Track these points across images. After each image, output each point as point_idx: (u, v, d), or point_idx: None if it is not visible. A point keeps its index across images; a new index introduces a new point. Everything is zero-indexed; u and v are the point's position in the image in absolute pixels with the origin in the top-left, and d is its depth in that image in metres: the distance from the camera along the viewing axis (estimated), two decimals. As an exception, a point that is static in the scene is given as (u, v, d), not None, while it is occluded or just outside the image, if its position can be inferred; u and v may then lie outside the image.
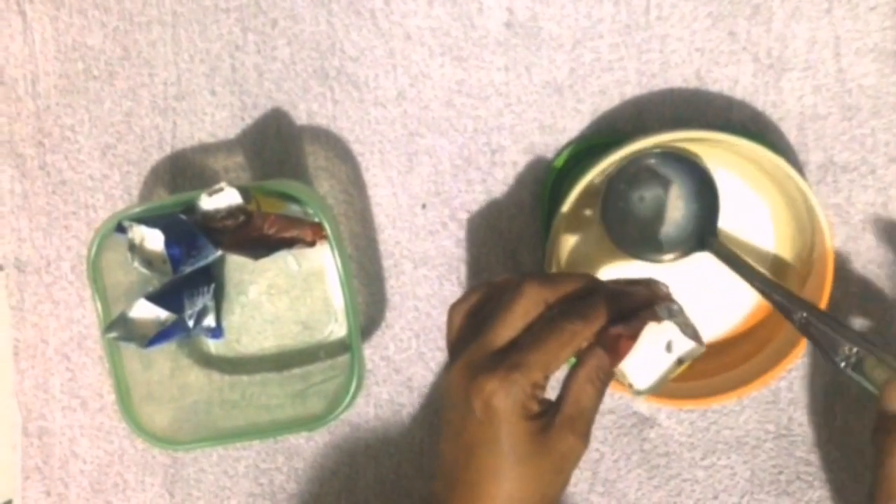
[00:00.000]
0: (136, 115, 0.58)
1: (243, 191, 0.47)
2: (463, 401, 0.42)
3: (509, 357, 0.42)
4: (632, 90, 0.56)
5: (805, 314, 0.48)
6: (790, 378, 0.56)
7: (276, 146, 0.57)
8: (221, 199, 0.47)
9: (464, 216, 0.57)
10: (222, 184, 0.47)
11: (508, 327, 0.43)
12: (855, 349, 0.46)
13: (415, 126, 0.57)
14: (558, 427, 0.42)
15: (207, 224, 0.48)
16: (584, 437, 0.43)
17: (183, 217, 0.48)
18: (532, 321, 0.43)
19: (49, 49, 0.58)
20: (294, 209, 0.53)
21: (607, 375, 0.43)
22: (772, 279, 0.50)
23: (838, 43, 0.54)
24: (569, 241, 0.55)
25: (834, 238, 0.55)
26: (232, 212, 0.47)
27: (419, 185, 0.57)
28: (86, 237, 0.58)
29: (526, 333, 0.43)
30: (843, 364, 0.47)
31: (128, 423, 0.51)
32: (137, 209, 0.49)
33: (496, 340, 0.43)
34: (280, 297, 0.58)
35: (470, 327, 0.46)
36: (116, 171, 0.58)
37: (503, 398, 0.41)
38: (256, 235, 0.48)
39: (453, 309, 0.46)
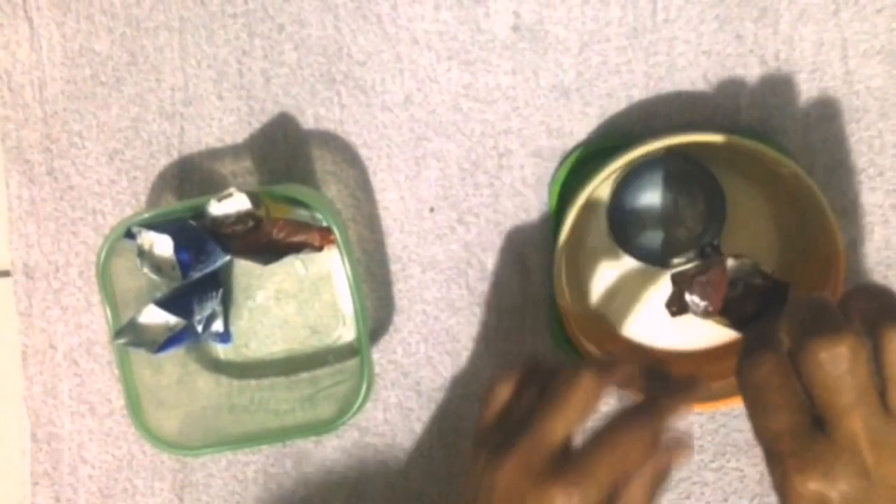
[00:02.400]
0: (144, 121, 0.58)
1: (253, 196, 0.47)
2: (518, 502, 0.39)
3: (577, 464, 0.39)
4: (639, 93, 0.56)
5: None
6: (799, 380, 0.56)
7: (284, 151, 0.58)
8: (231, 204, 0.47)
9: (471, 220, 0.57)
10: (232, 189, 0.47)
11: (565, 423, 0.40)
12: None
13: (422, 130, 0.57)
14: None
15: (217, 229, 0.48)
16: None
17: (193, 223, 0.48)
18: (587, 415, 0.40)
19: (56, 55, 0.58)
20: (302, 214, 0.53)
21: (661, 487, 0.41)
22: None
23: (845, 45, 0.54)
24: (577, 246, 0.55)
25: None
26: (241, 217, 0.47)
27: (427, 188, 0.57)
28: (93, 243, 0.58)
29: (592, 435, 0.40)
30: None
31: (137, 429, 0.51)
32: (146, 215, 0.49)
33: (553, 438, 0.40)
34: (288, 302, 0.58)
35: (510, 410, 0.43)
36: (124, 177, 0.58)
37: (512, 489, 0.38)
38: (266, 240, 0.48)
39: (500, 383, 0.43)
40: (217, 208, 0.47)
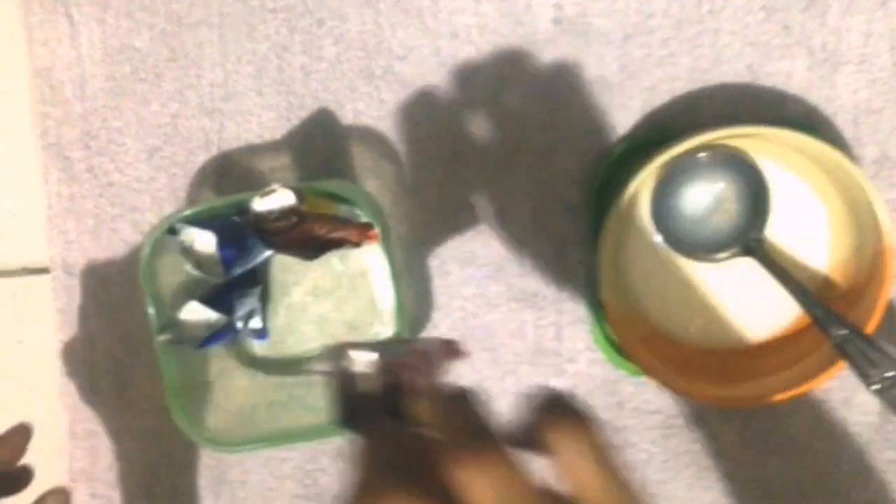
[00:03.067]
0: (183, 117, 0.58)
1: (297, 191, 0.46)
2: None
3: None
4: (683, 86, 0.55)
5: (845, 332, 0.47)
6: (842, 377, 0.55)
7: (323, 146, 0.57)
8: (274, 200, 0.47)
9: (511, 215, 0.57)
10: (275, 185, 0.46)
11: None
12: (891, 373, 0.46)
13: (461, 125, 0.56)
14: None
15: (260, 225, 0.47)
16: None
17: (236, 219, 0.47)
18: None
19: (96, 52, 0.58)
20: (342, 209, 0.53)
21: None
22: (812, 294, 0.49)
23: (894, 36, 0.53)
24: (620, 240, 0.54)
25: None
26: (285, 213, 0.47)
27: (466, 184, 0.57)
28: (132, 240, 0.58)
29: None
30: (876, 386, 0.46)
31: (180, 424, 0.51)
32: (189, 211, 0.49)
33: None
34: (325, 298, 0.58)
35: None
36: (163, 174, 0.58)
37: None
38: (308, 236, 0.48)
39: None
40: (260, 204, 0.47)
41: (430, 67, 0.56)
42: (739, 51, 0.54)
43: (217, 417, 0.53)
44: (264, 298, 0.57)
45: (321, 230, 0.49)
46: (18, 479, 0.49)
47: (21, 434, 0.49)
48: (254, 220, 0.47)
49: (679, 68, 0.55)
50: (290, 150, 0.57)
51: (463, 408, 0.30)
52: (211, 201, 0.49)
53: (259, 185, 0.57)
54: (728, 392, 0.51)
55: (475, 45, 0.56)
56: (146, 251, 0.49)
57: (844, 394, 0.55)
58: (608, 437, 0.29)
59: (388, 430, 0.31)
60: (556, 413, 0.29)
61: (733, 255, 0.52)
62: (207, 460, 0.59)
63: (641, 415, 0.56)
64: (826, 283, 0.53)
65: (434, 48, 0.56)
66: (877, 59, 0.53)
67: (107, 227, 0.58)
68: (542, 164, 0.56)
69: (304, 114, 0.57)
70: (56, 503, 0.47)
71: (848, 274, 0.52)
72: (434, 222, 0.57)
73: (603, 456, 0.28)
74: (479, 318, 0.57)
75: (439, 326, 0.57)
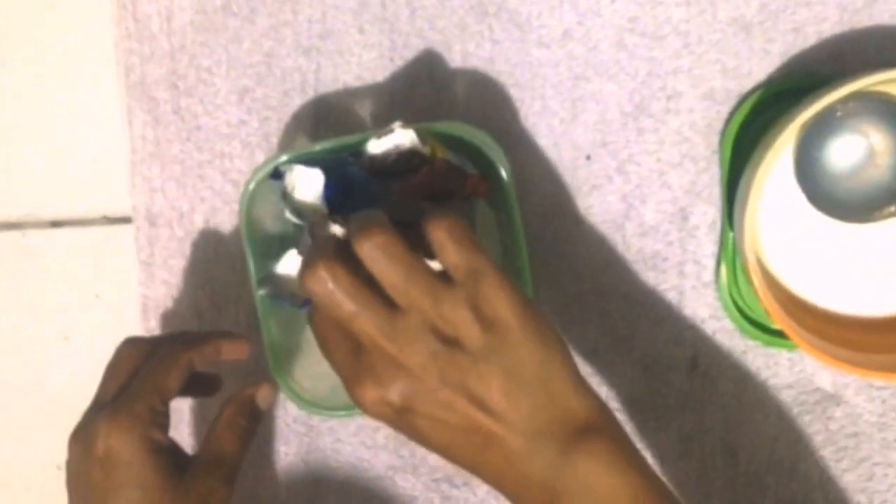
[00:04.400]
0: (277, 56, 0.53)
1: (419, 132, 0.42)
2: (82, 462, 0.42)
3: (117, 397, 0.43)
4: (831, 28, 0.50)
5: None
6: None
7: (428, 91, 0.53)
8: (393, 140, 0.42)
9: (632, 169, 0.52)
10: (396, 123, 0.42)
11: (111, 381, 0.44)
12: None
13: (581, 69, 0.52)
14: (195, 469, 0.43)
15: (377, 170, 0.43)
16: (226, 481, 0.43)
17: (350, 160, 0.43)
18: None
19: (185, -17, 0.53)
20: (453, 157, 0.49)
21: (251, 422, 0.45)
22: None
23: None
24: (761, 199, 0.49)
25: None
26: (405, 156, 0.42)
27: (583, 134, 0.52)
28: (220, 188, 0.54)
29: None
30: None
31: (282, 387, 0.47)
32: (298, 152, 0.45)
33: (102, 396, 0.44)
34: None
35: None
36: (255, 117, 0.54)
37: (120, 433, 0.41)
38: (430, 184, 0.43)
39: (125, 352, 0.46)
40: (377, 146, 0.42)
41: (548, 5, 0.51)
42: (896, -11, 0.49)
43: (315, 381, 0.49)
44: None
45: (441, 178, 0.44)
46: (213, 383, 0.52)
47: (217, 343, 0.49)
48: (369, 162, 0.43)
49: (827, 7, 0.49)
50: (392, 95, 0.53)
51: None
52: (322, 143, 0.45)
53: (358, 131, 0.53)
54: (875, 363, 0.47)
55: (599, -19, 0.51)
56: (248, 194, 0.45)
57: None
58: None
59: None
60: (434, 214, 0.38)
61: (888, 215, 0.47)
62: (297, 427, 0.55)
63: (772, 389, 0.52)
64: None
65: (553, -17, 0.51)
66: None
67: (194, 173, 0.55)
68: (669, 112, 0.51)
69: (408, 54, 0.53)
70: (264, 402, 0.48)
71: None
72: (547, 175, 0.52)
73: (460, 237, 0.38)
74: (593, 281, 0.53)
75: (550, 287, 0.53)
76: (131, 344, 0.46)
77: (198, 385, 0.50)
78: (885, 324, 0.50)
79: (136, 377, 0.43)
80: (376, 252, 0.37)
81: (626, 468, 0.36)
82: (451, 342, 0.36)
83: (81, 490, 0.42)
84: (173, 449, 0.44)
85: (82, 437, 0.43)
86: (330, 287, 0.36)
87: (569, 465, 0.36)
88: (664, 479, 0.39)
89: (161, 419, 0.44)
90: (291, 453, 0.55)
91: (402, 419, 0.37)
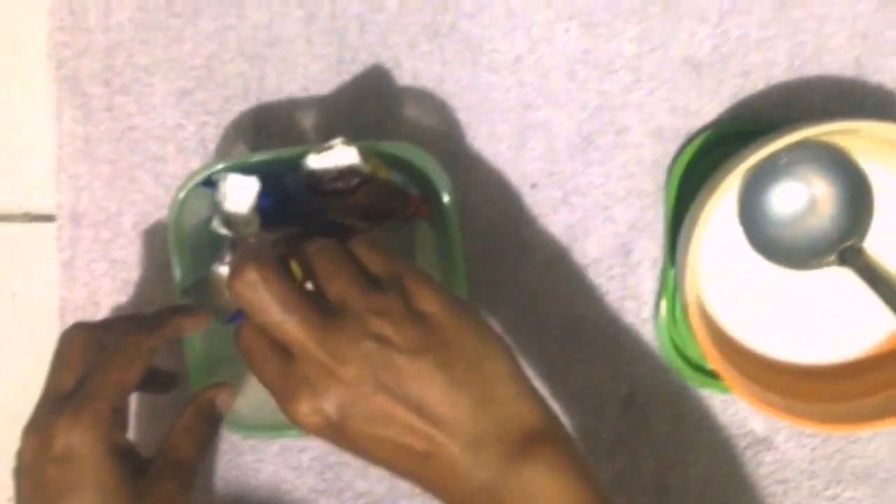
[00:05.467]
0: (220, 60, 0.51)
1: (360, 150, 0.41)
2: (37, 457, 0.40)
3: (76, 392, 0.40)
4: (780, 74, 0.50)
5: None
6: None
7: (374, 107, 0.51)
8: (334, 157, 0.41)
9: (578, 200, 0.51)
10: (337, 140, 0.41)
11: (64, 371, 0.41)
12: None
13: (531, 97, 0.51)
14: (153, 473, 0.41)
15: (314, 186, 0.41)
16: (184, 485, 0.41)
17: (284, 176, 0.42)
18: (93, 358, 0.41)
19: (128, -23, 0.51)
20: (396, 178, 0.47)
21: (210, 426, 0.43)
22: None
23: None
24: (704, 240, 0.49)
25: None
26: (345, 173, 0.41)
27: (530, 162, 0.51)
28: (152, 191, 0.52)
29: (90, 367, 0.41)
30: None
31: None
32: (234, 161, 0.43)
33: (57, 388, 0.41)
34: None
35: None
36: (192, 121, 0.52)
37: (82, 432, 0.39)
38: (368, 203, 0.42)
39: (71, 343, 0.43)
40: (316, 161, 0.41)
41: (501, 30, 0.51)
42: (846, 41, 0.49)
43: (241, 398, 0.47)
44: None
45: (380, 198, 0.43)
46: (171, 379, 0.49)
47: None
48: (306, 178, 0.41)
49: (778, 54, 0.50)
50: (338, 109, 0.52)
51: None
52: (260, 154, 0.43)
53: (299, 143, 0.51)
54: (807, 411, 0.47)
55: (553, 9, 0.50)
56: (178, 202, 0.43)
57: (931, 425, 0.50)
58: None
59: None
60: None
61: (827, 264, 0.47)
62: (219, 443, 0.53)
63: (705, 430, 0.51)
64: (925, 301, 0.48)
65: (507, 9, 0.51)
66: None
67: (124, 175, 0.52)
68: (617, 147, 0.51)
69: (356, 69, 0.51)
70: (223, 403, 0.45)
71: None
72: (492, 201, 0.51)
73: (383, 249, 0.38)
74: (532, 311, 0.52)
75: (485, 316, 0.52)
76: (81, 329, 0.43)
77: (155, 379, 0.47)
78: (819, 372, 0.50)
79: (96, 370, 0.41)
80: (318, 253, 0.37)
81: (573, 477, 0.35)
82: (384, 342, 0.35)
83: (33, 485, 0.40)
84: (131, 451, 0.42)
85: (39, 432, 0.40)
86: (260, 291, 0.35)
87: (513, 472, 0.34)
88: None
89: (121, 419, 0.42)
90: (211, 470, 0.53)
91: (339, 432, 0.35)
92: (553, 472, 0.34)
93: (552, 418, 0.36)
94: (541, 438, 0.35)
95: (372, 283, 0.37)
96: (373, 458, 0.36)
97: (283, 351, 0.36)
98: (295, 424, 0.35)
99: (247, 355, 0.37)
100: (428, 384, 0.35)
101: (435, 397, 0.34)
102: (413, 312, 0.36)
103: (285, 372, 0.36)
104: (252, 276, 0.35)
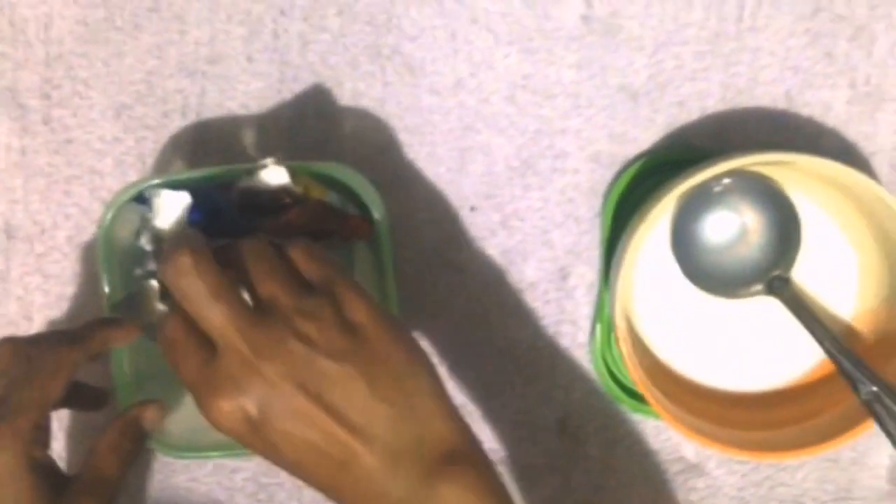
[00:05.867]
0: (160, 76, 0.51)
1: (292, 170, 0.41)
2: None
3: None
4: (714, 105, 0.51)
5: (874, 389, 0.43)
6: (858, 437, 0.51)
7: (315, 126, 0.51)
8: (265, 176, 0.41)
9: (516, 224, 0.52)
10: (268, 160, 0.41)
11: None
12: None
13: (471, 120, 0.51)
14: (74, 491, 0.41)
15: (245, 205, 0.41)
16: (106, 502, 0.41)
17: (217, 195, 0.41)
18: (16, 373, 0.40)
19: (69, -10, 0.51)
20: (333, 198, 0.47)
21: (135, 444, 0.42)
22: (841, 343, 0.45)
23: (943, 77, 0.50)
24: (637, 267, 0.50)
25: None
26: (276, 193, 0.41)
27: (469, 185, 0.52)
28: (88, 205, 0.52)
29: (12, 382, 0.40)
30: None
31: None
32: (166, 178, 0.43)
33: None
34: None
35: None
36: (131, 136, 0.51)
37: (1, 448, 0.38)
38: (299, 223, 0.42)
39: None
40: (247, 180, 0.41)
41: (443, 53, 0.51)
42: (778, 74, 0.50)
43: (171, 417, 0.47)
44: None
45: (312, 218, 0.43)
46: (99, 396, 0.48)
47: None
48: (237, 197, 0.41)
49: (711, 85, 0.51)
50: (278, 127, 0.52)
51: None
52: (192, 171, 0.43)
53: (238, 160, 0.51)
54: (735, 439, 0.47)
55: (494, 34, 0.51)
56: (108, 217, 0.43)
57: (855, 454, 0.51)
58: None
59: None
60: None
61: (755, 294, 0.48)
62: (148, 459, 0.52)
63: (638, 456, 0.52)
64: (850, 332, 0.49)
65: (449, 32, 0.51)
66: (922, 99, 0.50)
67: (60, 188, 0.52)
68: (555, 172, 0.51)
69: (297, 88, 0.51)
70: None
71: (876, 326, 0.48)
72: (429, 223, 0.52)
73: (319, 255, 0.39)
74: (468, 334, 0.52)
75: (421, 339, 0.52)
76: (6, 344, 0.42)
77: (82, 396, 0.47)
78: (748, 400, 0.50)
79: (18, 386, 0.40)
80: (251, 251, 0.37)
81: (486, 496, 0.35)
82: (311, 344, 0.35)
83: None
84: (52, 468, 0.41)
85: None
86: (191, 276, 0.35)
87: (429, 490, 0.34)
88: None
89: (42, 435, 0.41)
90: (143, 489, 0.52)
91: (258, 433, 0.35)
92: (468, 493, 0.34)
93: (471, 440, 0.37)
94: (458, 459, 0.35)
95: (304, 286, 0.37)
96: (290, 464, 0.36)
97: (208, 347, 0.36)
98: (213, 423, 0.35)
99: (168, 349, 0.37)
100: (350, 391, 0.34)
101: (356, 406, 0.34)
102: (343, 320, 0.36)
103: (207, 367, 0.35)
104: (185, 260, 0.35)
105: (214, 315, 0.35)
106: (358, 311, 0.36)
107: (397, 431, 0.35)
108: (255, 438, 0.35)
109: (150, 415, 0.44)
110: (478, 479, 0.35)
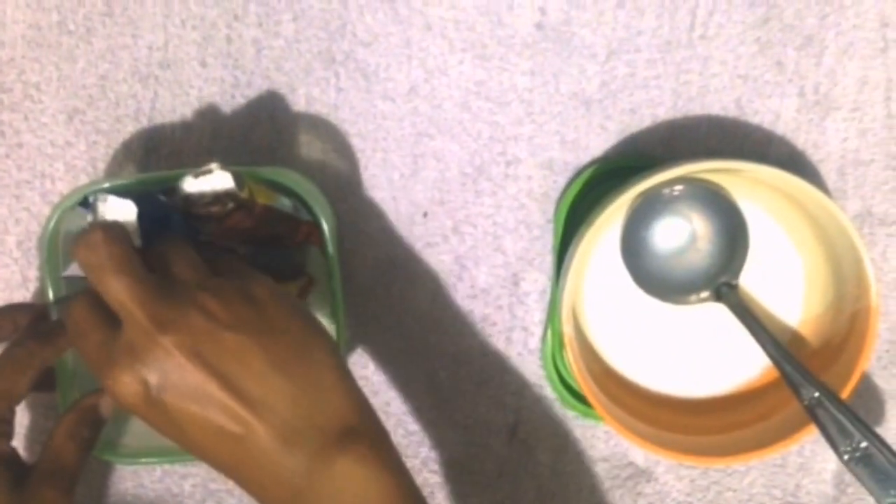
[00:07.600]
0: (113, 80, 0.51)
1: (237, 175, 0.40)
2: None
3: None
4: (665, 112, 0.51)
5: (816, 394, 0.44)
6: (802, 441, 0.51)
7: (268, 132, 0.51)
8: (210, 181, 0.41)
9: (468, 230, 0.52)
10: (213, 164, 0.40)
11: None
12: (864, 444, 0.42)
13: (424, 126, 0.51)
14: (36, 481, 0.40)
15: (189, 209, 0.41)
16: (66, 492, 0.40)
17: (162, 197, 0.41)
18: None
19: (20, -7, 0.51)
20: (284, 203, 0.47)
21: (93, 431, 0.42)
22: (784, 348, 0.46)
23: (890, 86, 0.50)
24: (583, 271, 0.50)
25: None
26: (220, 197, 0.40)
27: (422, 191, 0.52)
28: (38, 210, 0.51)
29: None
30: (846, 457, 0.43)
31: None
32: (111, 182, 0.42)
33: None
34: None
35: None
36: (83, 140, 0.51)
37: None
38: (244, 228, 0.42)
39: None
40: (192, 185, 0.41)
41: (396, 59, 0.51)
42: (728, 82, 0.51)
43: (117, 423, 0.46)
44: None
45: (260, 223, 0.43)
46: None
47: None
48: (182, 201, 0.41)
49: (663, 93, 0.51)
50: (231, 132, 0.52)
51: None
52: (136, 175, 0.43)
53: (191, 166, 0.51)
54: (681, 445, 0.47)
55: (448, 41, 0.51)
56: (52, 222, 0.42)
57: (802, 459, 0.51)
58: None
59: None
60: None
61: (703, 300, 0.48)
62: (97, 466, 0.52)
63: (587, 461, 0.52)
64: (795, 338, 0.49)
65: (403, 38, 0.51)
66: (870, 108, 0.50)
67: (10, 192, 0.51)
68: (507, 178, 0.51)
69: (250, 93, 0.51)
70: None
71: (820, 332, 0.48)
72: (382, 229, 0.52)
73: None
74: (422, 339, 0.52)
75: (375, 343, 0.52)
76: None
77: (48, 380, 0.46)
78: (696, 405, 0.50)
79: None
80: (168, 243, 0.38)
81: (386, 473, 0.35)
82: (210, 316, 0.35)
83: None
84: (14, 459, 0.41)
85: None
86: (100, 251, 0.35)
87: (326, 464, 0.35)
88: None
89: (6, 427, 0.41)
90: (89, 495, 0.52)
91: (157, 406, 0.35)
92: (364, 467, 0.35)
93: (370, 415, 0.37)
94: (356, 434, 0.35)
95: (213, 271, 0.38)
96: (189, 440, 0.35)
97: (111, 324, 0.36)
98: (113, 397, 0.35)
99: (72, 328, 0.37)
100: (248, 363, 0.35)
101: (253, 378, 0.35)
102: (245, 295, 0.36)
103: (111, 341, 0.35)
104: (97, 237, 0.36)
105: (117, 287, 0.35)
106: (260, 289, 0.37)
107: (295, 405, 0.35)
108: (155, 412, 0.35)
109: (106, 402, 0.43)
110: (376, 453, 0.35)
